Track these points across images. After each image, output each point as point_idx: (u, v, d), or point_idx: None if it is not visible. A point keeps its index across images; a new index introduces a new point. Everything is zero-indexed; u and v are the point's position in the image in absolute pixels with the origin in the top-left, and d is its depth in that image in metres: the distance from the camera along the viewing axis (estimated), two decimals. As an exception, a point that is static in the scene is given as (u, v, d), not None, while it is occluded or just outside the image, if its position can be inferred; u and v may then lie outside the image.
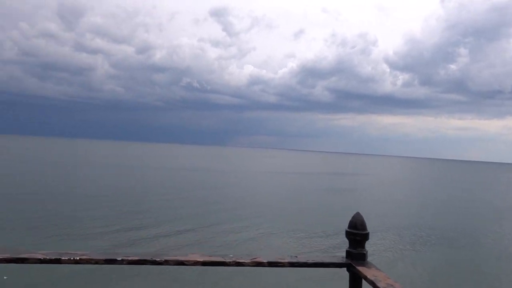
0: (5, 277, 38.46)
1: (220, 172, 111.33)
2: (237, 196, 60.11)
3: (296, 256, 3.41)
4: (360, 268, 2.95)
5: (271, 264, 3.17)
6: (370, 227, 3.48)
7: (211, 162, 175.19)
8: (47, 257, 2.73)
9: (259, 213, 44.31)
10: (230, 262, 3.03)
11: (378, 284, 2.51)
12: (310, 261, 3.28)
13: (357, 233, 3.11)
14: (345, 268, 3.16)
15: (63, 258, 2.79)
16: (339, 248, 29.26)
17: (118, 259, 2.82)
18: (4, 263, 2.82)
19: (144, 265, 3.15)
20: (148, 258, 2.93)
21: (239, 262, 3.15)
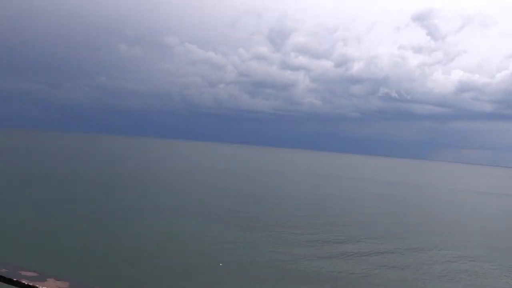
0: (220, 264, 44.99)
1: (423, 188, 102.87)
2: (445, 217, 54.30)
3: None
4: None
5: None
6: None
7: (411, 176, 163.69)
8: None
9: (473, 241, 38.85)
10: None
11: None
12: None
13: None
14: None
15: None
16: None
17: None
18: None
19: None
20: None
21: None
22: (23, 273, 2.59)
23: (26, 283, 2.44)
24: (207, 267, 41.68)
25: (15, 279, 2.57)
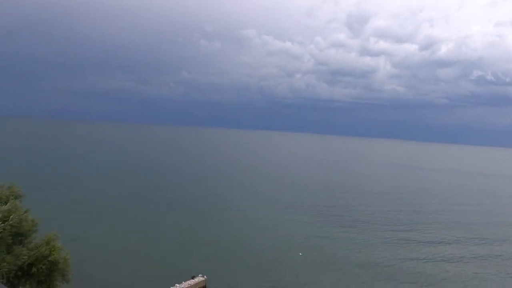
0: (300, 253, 49.17)
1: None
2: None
3: None
4: None
5: None
6: None
7: (511, 167, 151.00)
8: None
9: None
10: None
11: None
12: None
13: None
14: None
15: None
16: None
17: None
18: None
19: None
20: None
21: None
22: None
23: None
24: (288, 256, 46.56)
25: None
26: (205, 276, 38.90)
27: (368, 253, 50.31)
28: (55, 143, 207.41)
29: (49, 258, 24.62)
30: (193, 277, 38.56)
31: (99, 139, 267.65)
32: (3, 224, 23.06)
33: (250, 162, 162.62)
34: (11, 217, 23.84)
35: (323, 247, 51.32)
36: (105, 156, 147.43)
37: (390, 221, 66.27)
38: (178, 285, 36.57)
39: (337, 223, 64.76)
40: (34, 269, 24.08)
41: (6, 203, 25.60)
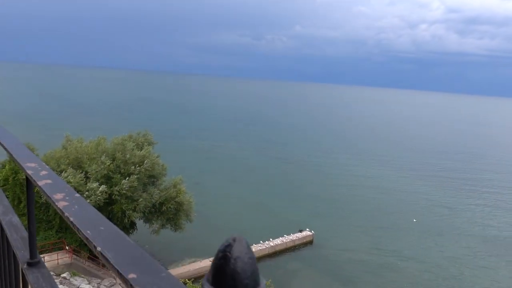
0: (414, 220, 46.89)
1: None
2: None
3: None
4: None
5: None
6: None
7: None
8: None
9: None
10: None
11: None
12: None
13: None
14: None
15: None
16: None
17: None
18: None
19: None
20: None
21: None
22: None
23: None
24: (400, 221, 44.69)
25: None
26: (312, 231, 39.96)
27: (491, 225, 45.45)
28: (178, 95, 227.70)
29: (176, 199, 27.90)
30: (300, 231, 39.93)
31: (217, 94, 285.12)
32: (139, 167, 26.69)
33: (365, 121, 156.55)
34: (145, 161, 27.38)
35: (440, 215, 47.90)
36: (222, 110, 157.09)
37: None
38: (286, 236, 38.38)
39: (457, 190, 59.39)
40: (164, 208, 27.62)
41: (141, 148, 29.38)
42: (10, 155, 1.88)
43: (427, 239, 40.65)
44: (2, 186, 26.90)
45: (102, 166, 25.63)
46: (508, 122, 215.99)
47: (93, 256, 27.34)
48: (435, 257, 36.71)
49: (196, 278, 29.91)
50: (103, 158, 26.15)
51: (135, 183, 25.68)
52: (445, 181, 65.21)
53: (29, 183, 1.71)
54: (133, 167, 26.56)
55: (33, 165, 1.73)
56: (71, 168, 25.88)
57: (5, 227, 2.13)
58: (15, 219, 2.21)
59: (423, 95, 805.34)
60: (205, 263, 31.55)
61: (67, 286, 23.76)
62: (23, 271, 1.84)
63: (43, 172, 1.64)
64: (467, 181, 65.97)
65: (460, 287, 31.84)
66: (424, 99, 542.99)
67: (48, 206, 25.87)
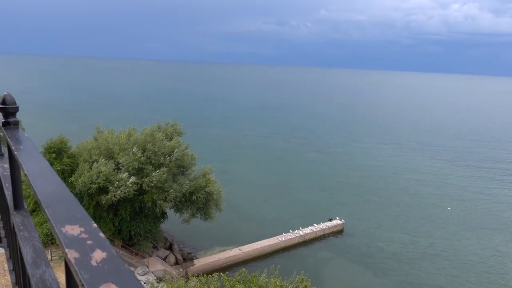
0: (449, 208, 45.25)
1: None
2: None
3: None
4: None
5: None
6: None
7: None
8: None
9: None
10: None
11: None
12: None
13: None
14: None
15: None
16: None
17: None
18: None
19: None
20: None
21: None
22: None
23: None
24: (434, 209, 43.30)
25: None
26: (342, 220, 39.30)
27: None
28: (204, 85, 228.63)
29: (206, 189, 27.91)
30: (330, 220, 39.36)
31: (243, 81, 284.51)
32: (169, 158, 26.80)
33: (394, 107, 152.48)
34: (175, 151, 27.47)
35: (475, 203, 46.11)
36: (248, 97, 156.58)
37: None
38: (316, 225, 37.90)
39: (492, 178, 56.98)
40: (194, 197, 27.71)
41: (171, 139, 29.48)
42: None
43: (461, 228, 39.25)
44: None
45: (133, 158, 25.91)
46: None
47: (126, 245, 27.89)
48: (470, 247, 35.38)
49: (226, 267, 30.10)
50: (134, 149, 26.42)
51: (165, 175, 25.84)
52: (480, 169, 62.70)
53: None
54: (163, 158, 26.72)
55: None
56: (102, 159, 26.30)
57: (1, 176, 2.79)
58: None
59: (455, 78, 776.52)
60: (235, 252, 31.68)
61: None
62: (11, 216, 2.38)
63: None
64: (503, 170, 63.20)
65: (498, 280, 30.55)
66: (456, 82, 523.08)
67: (82, 196, 26.45)
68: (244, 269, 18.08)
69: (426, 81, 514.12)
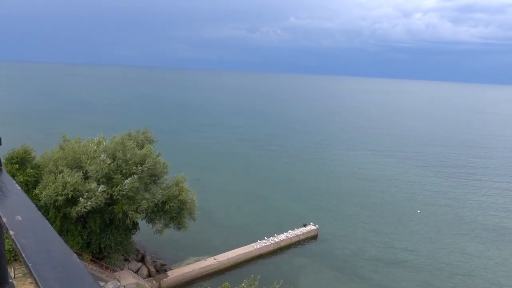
0: (418, 211, 46.35)
1: None
2: None
3: None
4: None
5: None
6: None
7: None
8: None
9: None
10: None
11: None
12: None
13: None
14: None
15: None
16: None
17: None
18: None
19: None
20: None
21: None
22: None
23: None
24: (404, 212, 44.29)
25: None
26: (317, 225, 39.42)
27: (495, 215, 45.11)
28: (174, 91, 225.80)
29: (179, 198, 27.19)
30: (304, 225, 39.38)
31: (214, 88, 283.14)
32: (141, 167, 25.93)
33: (362, 113, 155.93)
34: (147, 160, 26.62)
35: (444, 206, 47.53)
36: (219, 104, 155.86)
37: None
38: (291, 231, 37.79)
39: (460, 181, 59.08)
40: (167, 206, 26.90)
41: (142, 147, 28.60)
42: None
43: (431, 230, 40.28)
44: None
45: (103, 166, 24.89)
46: (505, 109, 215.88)
47: (95, 259, 26.70)
48: (438, 247, 36.33)
49: (201, 277, 29.38)
50: (103, 156, 25.40)
51: (137, 184, 24.98)
52: (445, 171, 64.87)
53: None
54: (134, 167, 25.83)
55: None
56: (67, 169, 25.13)
57: None
58: None
59: (418, 84, 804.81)
60: (210, 262, 30.99)
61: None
62: None
63: None
64: (462, 169, 65.70)
65: (466, 280, 31.45)
66: (419, 88, 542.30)
67: (47, 209, 25.12)
68: (227, 283, 17.63)
69: (391, 87, 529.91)
